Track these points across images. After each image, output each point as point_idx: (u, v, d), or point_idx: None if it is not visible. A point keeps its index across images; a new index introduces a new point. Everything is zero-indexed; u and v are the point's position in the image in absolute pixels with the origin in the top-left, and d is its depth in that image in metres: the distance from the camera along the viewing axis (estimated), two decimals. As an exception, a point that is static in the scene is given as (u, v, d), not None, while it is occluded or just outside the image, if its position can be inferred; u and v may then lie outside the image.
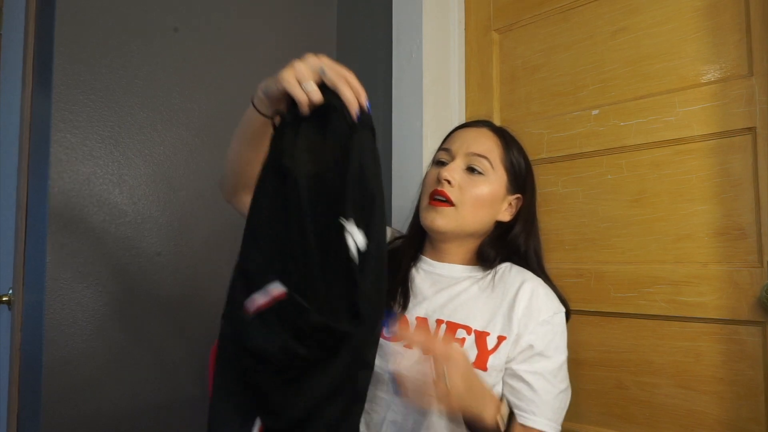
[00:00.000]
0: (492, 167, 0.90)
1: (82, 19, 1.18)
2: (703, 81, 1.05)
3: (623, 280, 1.11)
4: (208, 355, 1.01)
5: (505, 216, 0.95)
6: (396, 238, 1.02)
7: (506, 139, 0.95)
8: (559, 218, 1.23)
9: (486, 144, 0.92)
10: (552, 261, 1.25)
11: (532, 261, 0.95)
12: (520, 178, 0.95)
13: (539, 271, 0.94)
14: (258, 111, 0.79)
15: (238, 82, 1.42)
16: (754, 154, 0.99)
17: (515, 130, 1.31)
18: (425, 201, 0.91)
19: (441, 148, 0.95)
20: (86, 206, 1.17)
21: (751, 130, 0.99)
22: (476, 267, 0.94)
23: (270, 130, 0.76)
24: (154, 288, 1.24)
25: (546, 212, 1.26)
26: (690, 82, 1.07)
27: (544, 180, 1.27)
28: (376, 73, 1.50)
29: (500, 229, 0.95)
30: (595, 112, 1.19)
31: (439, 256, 0.96)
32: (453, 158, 0.91)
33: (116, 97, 1.22)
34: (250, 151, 0.82)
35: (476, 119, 1.01)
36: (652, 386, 1.06)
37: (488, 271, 0.92)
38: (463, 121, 1.42)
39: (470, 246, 0.95)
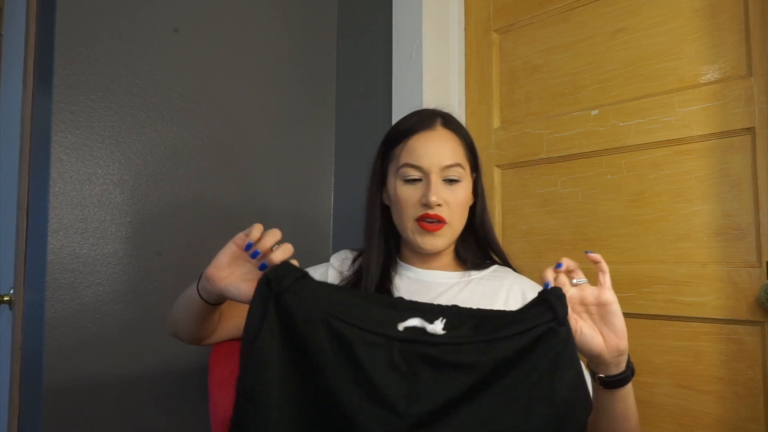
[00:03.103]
0: (463, 168, 0.89)
1: (82, 20, 1.18)
2: (702, 81, 1.06)
3: (622, 279, 1.11)
4: (209, 355, 1.01)
5: (471, 200, 0.94)
6: (358, 256, 0.99)
7: (457, 127, 0.92)
8: (559, 218, 1.24)
9: (451, 149, 0.88)
10: (552, 261, 1.25)
11: (492, 241, 0.96)
12: (475, 158, 0.94)
13: (496, 250, 0.96)
14: (206, 301, 0.80)
15: (239, 82, 1.42)
16: (753, 154, 0.99)
17: (515, 131, 1.32)
18: (410, 223, 0.88)
19: (407, 164, 0.88)
20: (86, 206, 1.17)
21: (750, 130, 0.99)
22: (461, 272, 0.94)
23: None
24: (155, 288, 1.24)
25: (546, 212, 1.27)
26: (689, 82, 1.07)
27: (544, 180, 1.27)
28: (376, 73, 1.50)
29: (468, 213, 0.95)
30: (594, 112, 1.19)
31: (423, 263, 0.94)
32: (426, 175, 0.87)
33: (116, 97, 1.22)
34: (203, 323, 0.86)
35: (421, 115, 0.93)
36: (652, 386, 1.07)
37: (473, 275, 0.92)
38: (463, 122, 1.42)
39: (453, 245, 0.95)
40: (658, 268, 1.07)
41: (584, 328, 0.69)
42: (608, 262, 0.72)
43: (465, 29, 1.46)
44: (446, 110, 0.96)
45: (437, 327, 0.64)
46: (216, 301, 0.80)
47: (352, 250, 1.02)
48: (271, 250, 0.71)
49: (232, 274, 0.75)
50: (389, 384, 0.64)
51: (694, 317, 1.03)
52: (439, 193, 0.86)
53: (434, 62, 1.40)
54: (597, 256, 0.71)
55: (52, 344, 1.11)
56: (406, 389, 0.63)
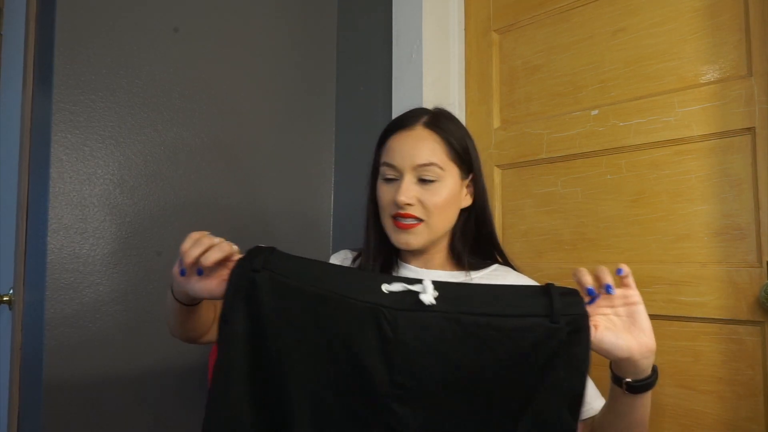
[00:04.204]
0: (442, 168, 0.88)
1: (82, 19, 1.18)
2: (702, 81, 1.06)
3: (623, 279, 1.11)
4: (209, 355, 1.01)
5: (467, 201, 0.94)
6: (358, 256, 0.99)
7: (442, 128, 0.91)
8: (559, 218, 1.24)
9: (427, 149, 0.87)
10: (552, 261, 1.25)
11: (494, 241, 0.96)
12: (467, 158, 0.92)
13: (498, 250, 0.95)
14: (180, 302, 0.80)
15: (239, 82, 1.42)
16: (753, 154, 0.99)
17: (515, 131, 1.32)
18: (388, 221, 0.89)
19: (384, 163, 0.90)
20: (86, 206, 1.17)
21: (750, 130, 0.99)
22: (462, 272, 0.93)
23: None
24: (155, 288, 1.24)
25: (546, 212, 1.27)
26: (689, 82, 1.07)
27: (544, 180, 1.27)
28: (376, 73, 1.50)
29: (464, 214, 0.94)
30: (594, 112, 1.19)
31: (421, 263, 0.94)
32: (400, 174, 0.87)
33: (116, 97, 1.22)
34: (191, 323, 0.85)
35: (408, 114, 0.93)
36: (652, 386, 1.07)
37: (473, 275, 0.92)
38: (463, 122, 1.42)
39: (445, 244, 0.94)
40: (658, 268, 1.07)
41: (606, 332, 0.67)
42: (608, 262, 0.72)
43: (465, 29, 1.46)
44: (443, 108, 0.96)
45: (429, 296, 0.64)
46: (189, 302, 0.79)
47: (352, 250, 1.03)
48: (197, 261, 0.70)
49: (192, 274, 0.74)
50: (373, 353, 0.63)
51: (694, 317, 1.03)
52: (408, 192, 0.86)
53: (434, 62, 1.40)
54: (625, 269, 0.69)
55: (52, 344, 1.11)
56: (391, 358, 0.63)
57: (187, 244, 0.71)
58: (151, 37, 1.28)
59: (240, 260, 0.69)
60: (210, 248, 0.70)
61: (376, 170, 0.95)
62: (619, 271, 0.68)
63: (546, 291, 0.65)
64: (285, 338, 0.66)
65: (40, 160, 1.18)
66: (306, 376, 0.66)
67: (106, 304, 1.18)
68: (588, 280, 0.68)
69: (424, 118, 0.91)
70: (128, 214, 1.22)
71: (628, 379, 0.70)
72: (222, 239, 0.71)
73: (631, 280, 0.69)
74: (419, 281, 0.65)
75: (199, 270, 0.71)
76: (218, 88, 1.38)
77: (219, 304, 0.90)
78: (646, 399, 0.72)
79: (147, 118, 1.26)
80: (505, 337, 0.63)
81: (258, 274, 0.67)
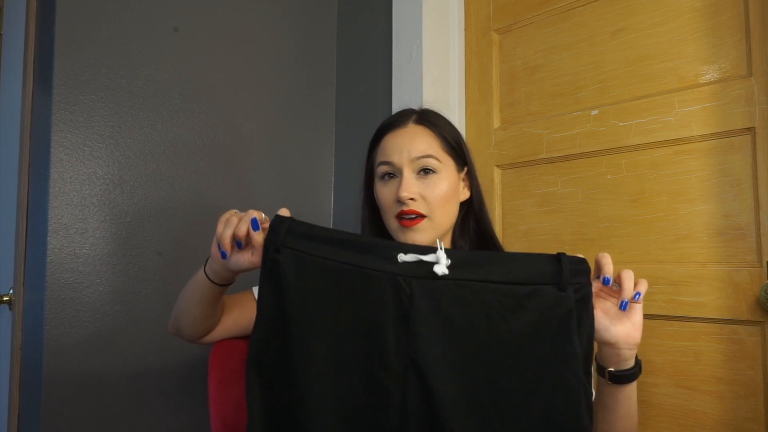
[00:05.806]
0: (439, 160, 0.88)
1: (82, 20, 1.18)
2: (702, 81, 1.06)
3: (623, 280, 1.11)
4: (209, 355, 1.01)
5: (465, 194, 0.94)
6: None
7: (433, 123, 0.92)
8: (559, 218, 1.24)
9: (423, 142, 0.88)
10: (551, 261, 1.25)
11: (493, 236, 0.96)
12: (461, 151, 0.93)
13: (497, 246, 0.96)
14: (212, 281, 0.82)
15: (239, 82, 1.42)
16: (753, 154, 0.99)
17: (515, 131, 1.32)
18: (392, 222, 0.89)
19: (381, 163, 0.90)
20: (86, 206, 1.17)
21: (750, 130, 0.99)
22: None
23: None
24: (155, 288, 1.24)
25: (546, 212, 1.27)
26: (689, 82, 1.07)
27: (544, 180, 1.27)
28: (376, 73, 1.50)
29: (462, 209, 0.94)
30: (594, 112, 1.19)
31: None
32: (399, 170, 0.88)
33: (116, 97, 1.22)
34: (209, 310, 0.87)
35: (396, 116, 0.95)
36: (652, 386, 1.07)
37: None
38: (463, 122, 1.42)
39: (447, 241, 0.94)
40: (658, 268, 1.07)
41: (601, 314, 0.70)
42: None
43: (465, 29, 1.46)
44: (434, 108, 0.97)
45: (441, 266, 0.65)
46: (222, 280, 0.81)
47: None
48: (233, 240, 0.74)
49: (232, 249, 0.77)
50: (391, 322, 0.65)
51: (694, 317, 1.03)
52: (410, 187, 0.86)
53: (434, 62, 1.40)
54: (643, 293, 0.72)
55: (52, 344, 1.11)
56: (408, 327, 0.65)
57: (220, 228, 0.75)
58: (151, 37, 1.28)
59: (265, 240, 0.72)
60: (240, 222, 0.74)
61: (370, 175, 0.95)
62: (636, 296, 0.70)
63: (557, 259, 0.67)
64: (307, 313, 0.68)
65: (40, 160, 1.18)
66: (326, 351, 0.67)
67: (106, 304, 1.18)
68: (609, 271, 0.71)
69: (414, 117, 0.93)
70: (128, 214, 1.22)
71: (611, 369, 0.72)
72: (251, 210, 0.75)
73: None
74: (433, 250, 0.66)
75: (238, 243, 0.74)
76: (218, 88, 1.38)
77: (225, 302, 0.91)
78: (631, 392, 0.73)
79: (147, 118, 1.26)
80: (515, 304, 0.65)
81: (280, 255, 0.70)
